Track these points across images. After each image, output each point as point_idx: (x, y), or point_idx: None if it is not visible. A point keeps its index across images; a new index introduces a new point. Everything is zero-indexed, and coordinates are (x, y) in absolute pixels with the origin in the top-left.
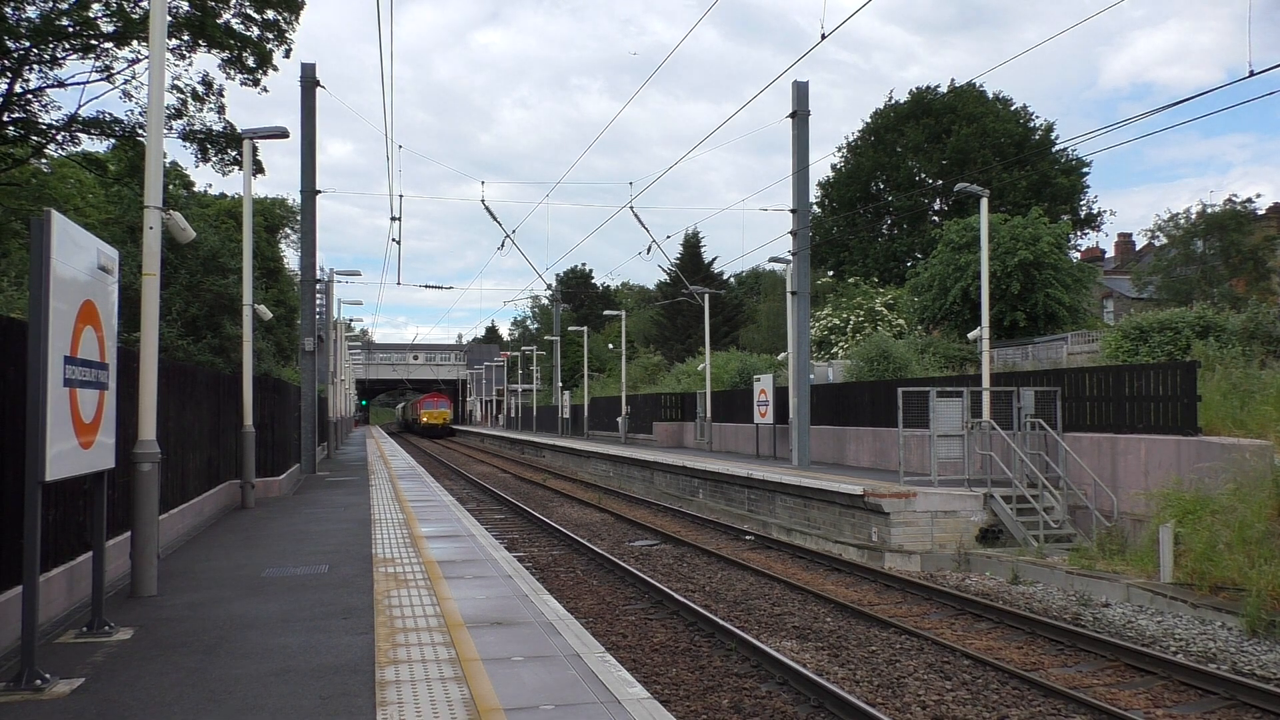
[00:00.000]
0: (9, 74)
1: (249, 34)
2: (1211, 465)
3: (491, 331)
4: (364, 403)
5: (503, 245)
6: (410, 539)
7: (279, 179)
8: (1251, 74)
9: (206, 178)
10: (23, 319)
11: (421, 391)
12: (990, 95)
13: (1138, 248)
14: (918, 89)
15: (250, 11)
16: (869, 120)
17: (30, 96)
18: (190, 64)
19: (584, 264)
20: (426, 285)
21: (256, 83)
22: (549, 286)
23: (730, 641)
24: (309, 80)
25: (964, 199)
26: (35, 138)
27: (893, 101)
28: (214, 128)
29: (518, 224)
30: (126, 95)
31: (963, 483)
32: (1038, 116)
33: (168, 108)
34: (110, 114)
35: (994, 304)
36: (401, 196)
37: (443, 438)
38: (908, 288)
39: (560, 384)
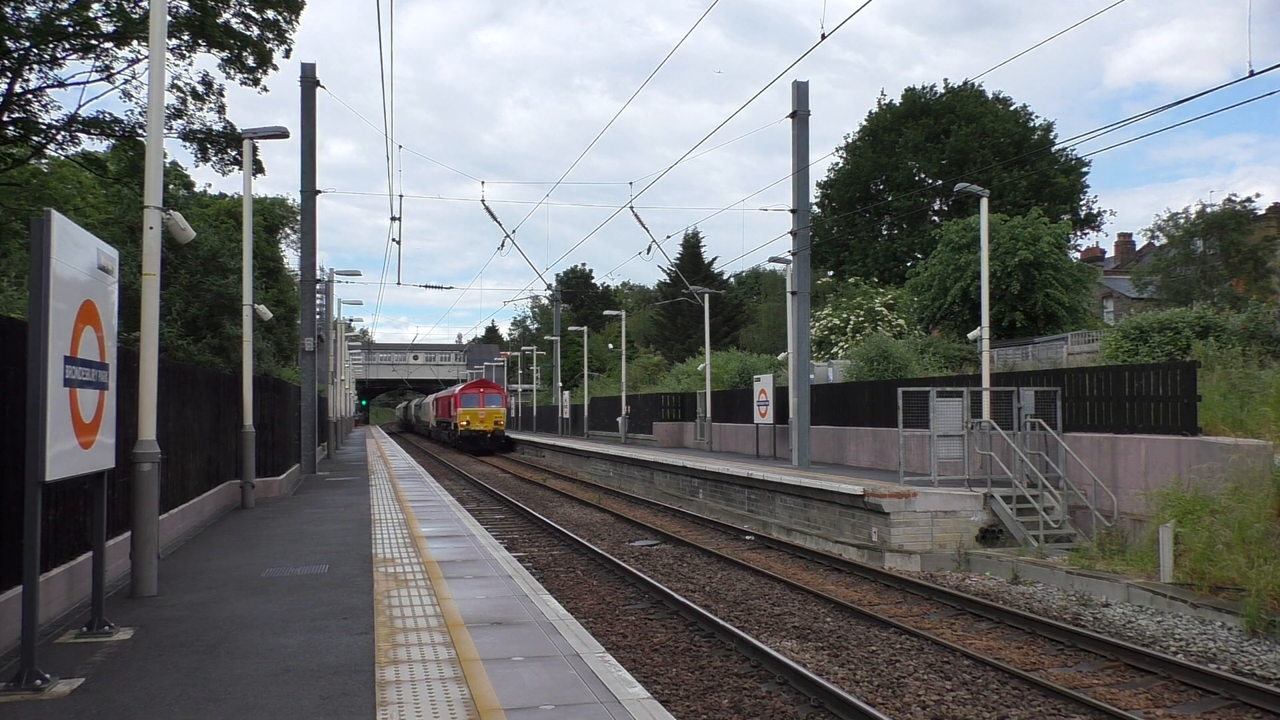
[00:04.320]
0: (9, 74)
1: (249, 34)
2: (1211, 465)
3: (491, 331)
4: (364, 403)
5: (503, 245)
6: (410, 539)
7: (279, 179)
8: (1251, 74)
9: (206, 178)
10: (23, 319)
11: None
12: (990, 95)
13: (1138, 248)
14: (910, 89)
15: (250, 11)
16: (867, 121)
17: (30, 96)
18: (190, 64)
19: (584, 264)
20: (426, 285)
21: (256, 82)
22: (549, 286)
23: (730, 641)
24: (309, 80)
25: (964, 199)
26: (35, 138)
27: (887, 101)
28: (214, 127)
29: (518, 224)
30: (126, 95)
31: (963, 483)
32: (1037, 116)
33: (168, 107)
34: (110, 114)
35: (994, 304)
36: (402, 196)
37: (492, 453)
38: (908, 288)
39: (560, 384)
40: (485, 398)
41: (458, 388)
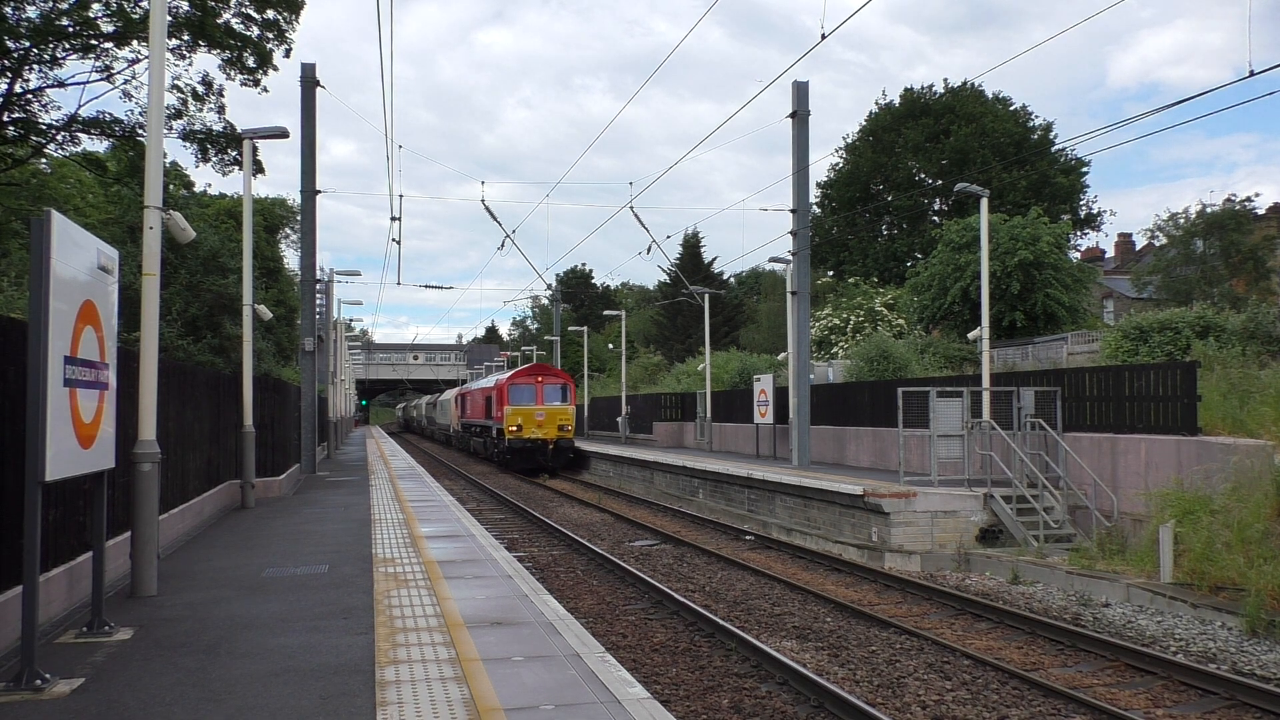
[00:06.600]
0: (9, 74)
1: (249, 34)
2: (1211, 465)
3: (491, 331)
4: (364, 403)
5: (503, 245)
6: (410, 539)
7: (279, 179)
8: (1252, 74)
9: (206, 178)
10: (23, 319)
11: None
12: (990, 95)
13: (1138, 248)
14: (909, 89)
15: (250, 11)
16: (867, 121)
17: (30, 96)
18: (190, 64)
19: (584, 264)
20: (426, 285)
21: (257, 83)
22: (549, 286)
23: (730, 641)
24: (309, 80)
25: (964, 199)
26: (35, 138)
27: (888, 101)
28: (214, 128)
29: (518, 224)
30: (126, 95)
31: (963, 483)
32: (1037, 116)
33: (168, 108)
34: (110, 114)
35: (994, 304)
36: (401, 196)
37: (555, 474)
38: (908, 288)
39: None
40: (544, 391)
41: (501, 376)
